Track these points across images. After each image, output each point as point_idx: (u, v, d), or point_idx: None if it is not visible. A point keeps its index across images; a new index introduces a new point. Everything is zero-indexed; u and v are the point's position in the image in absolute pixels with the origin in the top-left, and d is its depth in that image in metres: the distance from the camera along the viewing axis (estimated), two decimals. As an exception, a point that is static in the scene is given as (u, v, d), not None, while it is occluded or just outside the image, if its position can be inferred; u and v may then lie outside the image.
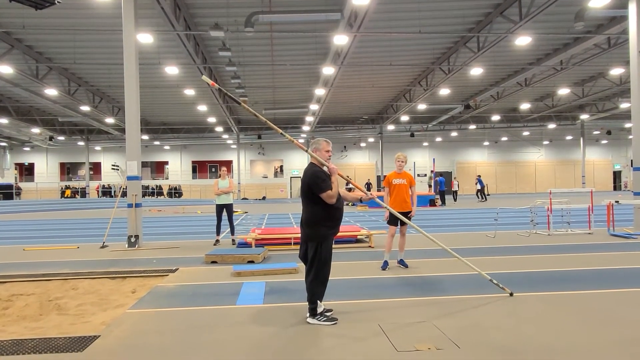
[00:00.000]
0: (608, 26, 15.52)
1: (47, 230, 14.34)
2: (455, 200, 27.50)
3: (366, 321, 4.29)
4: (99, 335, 4.01)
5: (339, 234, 4.59)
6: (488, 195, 28.84)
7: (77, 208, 26.35)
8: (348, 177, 4.69)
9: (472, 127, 36.76)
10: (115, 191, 38.32)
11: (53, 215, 20.89)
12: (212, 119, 32.67)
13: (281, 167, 42.18)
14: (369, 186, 33.04)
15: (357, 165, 39.56)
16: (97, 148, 40.02)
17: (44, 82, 19.56)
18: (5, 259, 8.29)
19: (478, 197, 27.19)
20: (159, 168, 43.05)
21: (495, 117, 34.12)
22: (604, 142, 41.50)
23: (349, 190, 5.42)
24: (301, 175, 4.54)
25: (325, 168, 4.50)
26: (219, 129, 36.02)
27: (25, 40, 16.68)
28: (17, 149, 40.55)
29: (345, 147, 40.02)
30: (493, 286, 5.23)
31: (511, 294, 5.08)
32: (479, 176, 28.40)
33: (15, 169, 41.80)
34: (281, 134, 4.84)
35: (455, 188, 28.66)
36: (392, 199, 6.69)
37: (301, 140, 38.42)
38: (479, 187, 27.01)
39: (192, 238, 11.21)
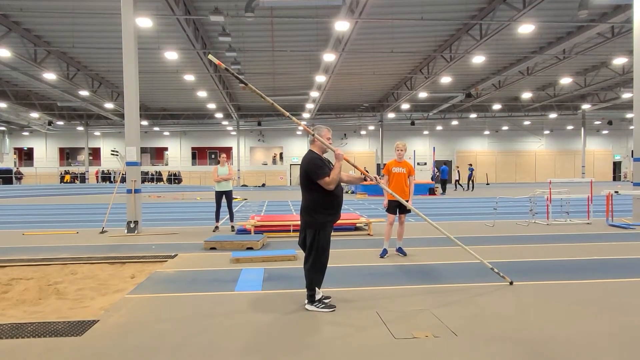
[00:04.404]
0: (612, 14, 15.35)
1: (47, 215, 14.35)
2: (460, 188, 27.59)
3: (364, 309, 4.30)
4: (98, 320, 4.02)
5: (338, 221, 4.58)
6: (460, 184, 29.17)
7: (77, 193, 26.36)
8: (366, 168, 4.65)
9: (473, 116, 36.61)
10: (114, 177, 38.33)
11: (52, 200, 20.91)
12: (211, 105, 32.50)
13: (281, 154, 42.11)
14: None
15: (357, 153, 39.49)
16: (97, 133, 39.89)
17: (43, 66, 19.41)
18: (4, 244, 8.31)
19: (468, 186, 27.34)
20: (158, 154, 42.96)
21: (497, 106, 33.97)
22: (605, 132, 41.40)
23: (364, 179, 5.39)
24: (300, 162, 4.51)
25: (326, 155, 4.49)
26: (219, 115, 35.87)
27: (23, 23, 16.49)
28: (16, 134, 40.41)
29: (345, 134, 39.90)
30: (491, 275, 5.24)
31: (511, 283, 5.10)
32: (470, 164, 28.83)
33: (15, 154, 41.72)
34: (288, 116, 4.80)
35: (456, 177, 28.71)
36: (391, 188, 6.67)
37: (300, 128, 38.29)
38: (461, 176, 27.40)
39: (191, 224, 11.22)
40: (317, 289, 4.31)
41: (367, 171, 4.62)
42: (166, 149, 42.00)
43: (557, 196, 11.20)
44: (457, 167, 30.97)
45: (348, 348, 3.41)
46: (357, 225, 9.70)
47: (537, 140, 41.75)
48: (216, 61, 4.45)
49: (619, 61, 21.09)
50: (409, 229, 8.96)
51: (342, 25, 14.47)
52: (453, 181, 29.13)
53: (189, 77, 22.93)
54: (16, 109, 30.03)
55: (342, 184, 4.55)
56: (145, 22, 13.31)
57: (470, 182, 27.23)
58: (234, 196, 10.76)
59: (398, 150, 6.81)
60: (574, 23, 16.41)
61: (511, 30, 16.55)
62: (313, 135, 4.39)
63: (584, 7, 13.05)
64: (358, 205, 16.63)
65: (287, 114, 4.81)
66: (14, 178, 36.34)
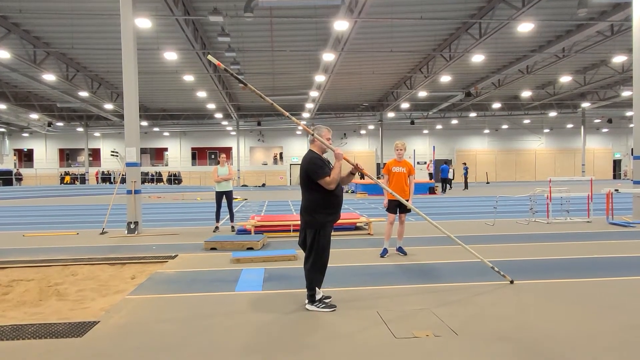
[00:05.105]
0: (611, 13, 15.35)
1: (47, 216, 14.35)
2: (450, 187, 27.57)
3: (365, 308, 4.30)
4: (99, 321, 4.02)
5: (338, 221, 4.58)
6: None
7: (77, 194, 26.36)
8: (359, 165, 4.59)
9: (473, 114, 36.60)
10: (114, 177, 38.33)
11: (53, 202, 20.91)
12: (211, 105, 32.50)
13: (281, 154, 42.11)
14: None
15: (357, 152, 39.48)
16: (96, 134, 39.89)
17: (42, 67, 19.40)
18: (5, 245, 8.31)
19: (466, 185, 27.35)
20: (158, 154, 42.96)
21: (496, 105, 33.95)
22: (605, 130, 41.39)
23: (362, 177, 5.34)
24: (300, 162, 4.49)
25: (325, 155, 4.49)
26: (219, 115, 35.85)
27: (22, 25, 16.49)
28: (15, 135, 40.42)
29: (345, 134, 39.89)
30: (492, 274, 5.25)
31: (511, 282, 5.10)
32: (464, 163, 28.88)
33: (14, 155, 41.73)
34: (287, 116, 4.80)
35: (450, 176, 28.69)
36: (391, 187, 6.67)
37: (300, 127, 38.25)
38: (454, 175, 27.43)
39: (191, 225, 11.22)
40: (317, 288, 4.31)
41: (361, 167, 4.54)
42: (166, 149, 42.01)
43: (557, 195, 11.20)
44: (452, 166, 30.99)
45: (348, 348, 3.41)
46: (358, 224, 9.70)
47: (537, 139, 41.74)
48: (215, 61, 4.45)
49: (619, 59, 21.06)
50: (409, 228, 8.96)
51: (341, 25, 14.46)
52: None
53: (189, 78, 22.92)
54: (16, 110, 30.03)
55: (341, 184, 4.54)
56: (144, 23, 13.31)
57: (450, 182, 27.33)
58: (234, 196, 10.76)
59: (398, 150, 6.81)
60: (574, 21, 16.40)
61: (510, 29, 16.54)
62: (313, 135, 4.39)
63: (583, 6, 13.04)
64: (358, 204, 16.63)
65: (287, 114, 4.80)
66: (14, 179, 36.36)
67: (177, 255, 7.07)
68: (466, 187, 27.16)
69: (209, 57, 4.67)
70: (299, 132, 40.26)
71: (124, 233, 9.62)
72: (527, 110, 36.51)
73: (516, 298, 4.59)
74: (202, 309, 4.37)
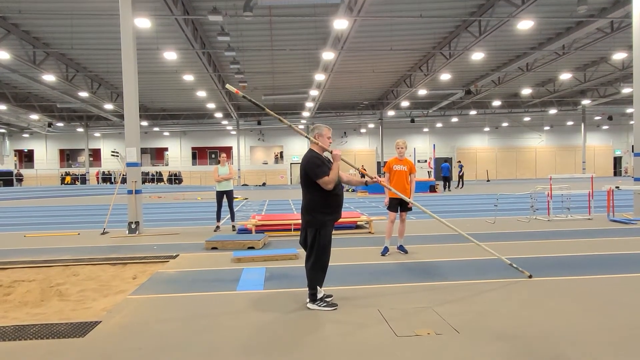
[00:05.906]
0: (611, 10, 15.32)
1: (48, 216, 14.36)
2: (450, 186, 27.60)
3: (366, 307, 4.31)
4: (100, 321, 4.03)
5: (339, 220, 4.59)
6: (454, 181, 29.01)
7: (77, 194, 26.37)
8: (363, 166, 4.68)
9: (473, 112, 36.58)
10: (115, 177, 38.34)
11: (53, 202, 20.92)
12: (211, 105, 32.50)
13: (281, 153, 42.11)
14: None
15: (357, 151, 39.49)
16: (97, 134, 39.89)
17: (42, 67, 19.39)
18: (6, 246, 8.31)
19: (459, 184, 27.34)
20: (158, 154, 42.97)
21: (496, 103, 33.94)
22: (605, 127, 41.34)
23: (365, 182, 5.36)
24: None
25: (326, 154, 4.50)
26: (219, 114, 35.86)
27: (21, 26, 16.48)
28: (16, 136, 40.43)
29: (345, 133, 39.88)
30: (493, 272, 5.25)
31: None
32: (459, 161, 28.88)
33: (15, 156, 41.75)
34: (303, 134, 4.84)
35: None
36: (392, 185, 6.67)
37: (301, 126, 38.29)
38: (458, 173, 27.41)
39: (192, 224, 11.23)
40: (318, 287, 4.32)
41: (364, 169, 4.65)
42: (166, 149, 42.01)
43: (557, 192, 11.20)
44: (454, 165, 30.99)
45: (350, 346, 3.42)
46: (358, 223, 9.70)
47: (537, 136, 41.70)
48: (234, 90, 4.46)
49: (619, 56, 21.04)
50: (410, 226, 8.98)
51: (340, 24, 14.44)
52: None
53: (188, 77, 22.91)
54: (16, 111, 30.04)
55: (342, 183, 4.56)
56: (143, 23, 13.30)
57: (460, 179, 27.29)
58: (234, 196, 10.76)
59: (399, 148, 6.81)
60: (573, 18, 16.37)
61: (510, 27, 16.51)
62: (308, 138, 4.44)
63: (583, 3, 13.03)
64: (359, 203, 16.63)
65: (297, 129, 4.86)
66: (14, 180, 36.38)
67: (178, 255, 7.07)
68: (461, 185, 27.13)
69: (227, 86, 4.71)
70: (299, 131, 40.24)
71: (125, 233, 9.63)
72: (527, 107, 36.49)
73: (518, 295, 4.59)
74: (204, 309, 4.38)
